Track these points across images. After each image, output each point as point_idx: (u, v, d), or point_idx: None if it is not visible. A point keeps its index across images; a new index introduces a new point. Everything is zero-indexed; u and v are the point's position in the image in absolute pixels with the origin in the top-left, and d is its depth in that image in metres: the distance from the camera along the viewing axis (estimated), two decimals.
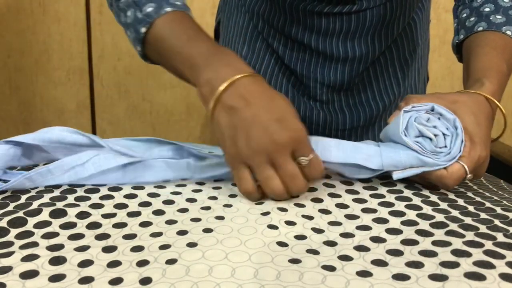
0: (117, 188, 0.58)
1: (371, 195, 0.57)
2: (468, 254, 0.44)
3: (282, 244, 0.46)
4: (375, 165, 0.57)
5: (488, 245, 0.46)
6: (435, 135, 0.57)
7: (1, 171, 0.58)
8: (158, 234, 0.47)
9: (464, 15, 0.73)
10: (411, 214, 0.53)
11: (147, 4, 0.61)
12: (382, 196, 0.57)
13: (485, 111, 0.60)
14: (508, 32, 0.67)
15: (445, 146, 0.57)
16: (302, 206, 0.54)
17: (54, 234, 0.47)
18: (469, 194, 0.59)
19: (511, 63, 0.66)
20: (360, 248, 0.46)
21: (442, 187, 0.59)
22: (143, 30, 0.61)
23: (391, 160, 0.57)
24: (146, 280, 0.39)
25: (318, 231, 0.49)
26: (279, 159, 0.50)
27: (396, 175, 0.57)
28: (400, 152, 0.57)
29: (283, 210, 0.53)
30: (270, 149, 0.50)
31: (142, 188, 0.59)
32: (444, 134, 0.57)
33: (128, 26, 0.64)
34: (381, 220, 0.51)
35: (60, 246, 0.45)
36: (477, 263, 0.43)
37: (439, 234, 0.48)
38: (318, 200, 0.56)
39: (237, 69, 0.53)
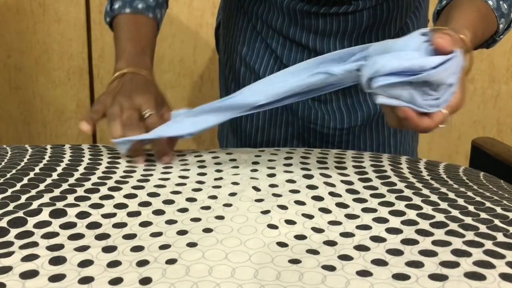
0: (117, 188, 0.58)
1: (371, 195, 0.57)
2: (468, 254, 0.44)
3: (282, 244, 0.46)
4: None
5: (488, 245, 0.46)
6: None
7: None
8: (158, 234, 0.47)
9: None
10: (411, 214, 0.53)
11: (117, 1, 0.81)
12: (382, 195, 0.57)
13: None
14: (490, 2, 0.68)
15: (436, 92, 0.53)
16: (303, 204, 0.54)
17: (54, 234, 0.47)
18: (469, 194, 0.59)
19: (484, 32, 0.67)
20: (360, 248, 0.46)
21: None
22: (107, 19, 0.83)
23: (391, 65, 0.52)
24: (146, 280, 0.39)
25: (318, 230, 0.49)
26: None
27: (380, 100, 0.54)
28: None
29: (283, 208, 0.53)
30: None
31: (142, 188, 0.59)
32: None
33: (105, 13, 0.85)
34: (381, 220, 0.51)
35: (60, 246, 0.45)
36: (477, 263, 0.43)
37: (439, 234, 0.48)
38: (318, 199, 0.56)
39: (130, 66, 0.75)
